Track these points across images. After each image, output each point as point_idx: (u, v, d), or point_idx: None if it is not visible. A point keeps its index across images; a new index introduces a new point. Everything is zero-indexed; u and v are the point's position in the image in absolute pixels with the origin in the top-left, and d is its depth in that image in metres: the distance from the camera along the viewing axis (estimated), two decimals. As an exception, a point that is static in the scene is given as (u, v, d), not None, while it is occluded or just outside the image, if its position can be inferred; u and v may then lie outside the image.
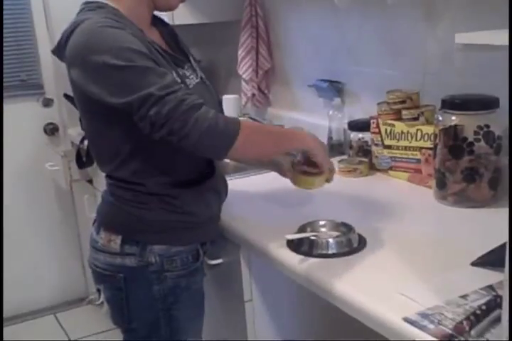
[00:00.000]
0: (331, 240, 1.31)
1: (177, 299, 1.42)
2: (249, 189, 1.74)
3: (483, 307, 1.00)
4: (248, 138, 1.22)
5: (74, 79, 1.27)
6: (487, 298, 1.04)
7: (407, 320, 1.01)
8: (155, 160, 1.35)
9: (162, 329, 1.43)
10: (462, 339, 0.94)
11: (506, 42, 0.97)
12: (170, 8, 1.43)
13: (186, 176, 1.39)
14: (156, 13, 1.45)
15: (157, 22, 1.47)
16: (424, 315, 1.01)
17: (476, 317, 0.97)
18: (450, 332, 0.96)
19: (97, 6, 1.32)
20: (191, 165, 1.38)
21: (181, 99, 1.16)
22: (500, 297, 0.99)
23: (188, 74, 1.39)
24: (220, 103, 1.53)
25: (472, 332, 0.95)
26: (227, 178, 1.57)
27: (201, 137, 1.17)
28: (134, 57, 1.19)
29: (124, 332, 1.50)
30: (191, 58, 1.47)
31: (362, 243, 1.34)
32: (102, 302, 1.47)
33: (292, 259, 1.30)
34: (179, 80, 1.30)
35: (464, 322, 0.96)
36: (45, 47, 2.74)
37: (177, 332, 1.45)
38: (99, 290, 1.46)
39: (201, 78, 1.44)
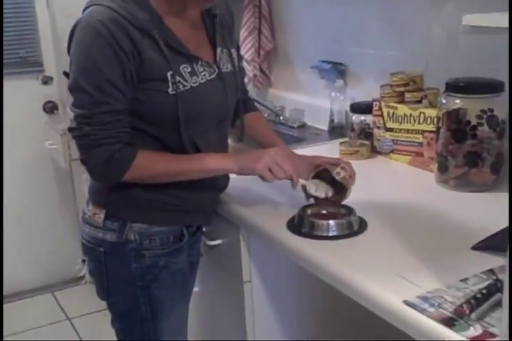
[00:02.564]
0: (331, 222, 1.31)
1: (155, 277, 1.43)
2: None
3: (484, 291, 0.99)
4: (141, 174, 1.32)
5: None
6: (487, 282, 1.04)
7: (407, 303, 1.01)
8: (146, 143, 1.34)
9: (142, 307, 1.44)
10: (462, 322, 0.94)
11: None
12: (201, 6, 1.36)
13: None
14: None
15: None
16: (424, 298, 1.01)
17: (476, 301, 0.97)
18: (450, 315, 0.96)
19: None
20: (183, 151, 1.36)
21: (87, 134, 1.26)
22: (501, 281, 0.99)
23: (201, 69, 1.34)
24: (238, 101, 1.48)
25: (472, 316, 0.95)
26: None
27: (90, 171, 1.32)
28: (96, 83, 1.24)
29: (107, 307, 1.52)
30: (218, 50, 1.40)
31: (362, 225, 1.33)
32: (84, 273, 1.49)
33: (292, 241, 1.30)
34: (173, 79, 1.27)
35: (464, 306, 0.96)
36: (45, 24, 2.71)
37: (159, 312, 1.46)
38: (84, 261, 1.49)
39: (218, 74, 1.38)
